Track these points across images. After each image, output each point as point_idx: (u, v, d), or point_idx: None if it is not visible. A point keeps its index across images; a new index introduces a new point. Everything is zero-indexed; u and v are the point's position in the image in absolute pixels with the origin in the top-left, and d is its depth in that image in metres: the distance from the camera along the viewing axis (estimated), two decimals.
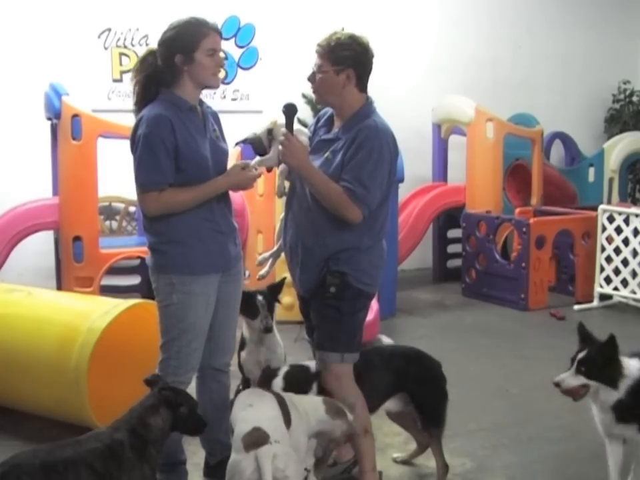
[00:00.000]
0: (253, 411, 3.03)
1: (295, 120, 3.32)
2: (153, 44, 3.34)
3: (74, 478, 2.65)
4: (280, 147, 3.24)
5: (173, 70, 3.22)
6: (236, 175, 3.31)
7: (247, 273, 3.53)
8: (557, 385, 3.32)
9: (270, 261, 3.68)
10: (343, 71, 3.24)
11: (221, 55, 3.30)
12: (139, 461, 2.77)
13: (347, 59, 3.23)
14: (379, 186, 3.23)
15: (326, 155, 3.29)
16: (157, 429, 2.84)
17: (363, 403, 3.40)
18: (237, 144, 3.65)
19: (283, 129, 3.25)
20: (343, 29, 3.34)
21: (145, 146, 3.15)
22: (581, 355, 3.31)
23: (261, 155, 3.41)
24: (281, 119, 3.33)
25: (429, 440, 3.72)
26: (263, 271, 3.69)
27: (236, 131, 3.77)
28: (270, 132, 3.39)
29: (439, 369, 3.69)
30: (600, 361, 3.26)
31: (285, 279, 3.94)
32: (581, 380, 3.28)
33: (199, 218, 3.26)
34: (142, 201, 3.23)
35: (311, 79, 3.32)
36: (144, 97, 3.26)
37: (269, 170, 3.52)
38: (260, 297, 3.79)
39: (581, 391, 3.31)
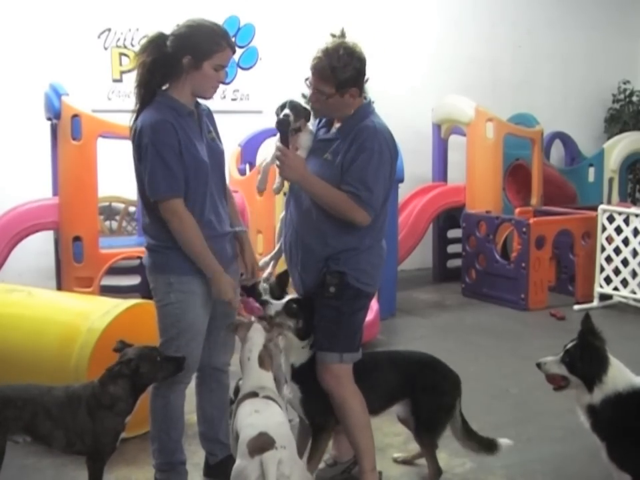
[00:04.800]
0: (259, 416, 2.94)
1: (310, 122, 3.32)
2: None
3: (29, 414, 3.07)
4: (277, 162, 3.23)
5: (177, 67, 3.19)
6: (226, 283, 3.23)
7: (244, 274, 3.51)
8: (538, 365, 3.25)
9: (272, 263, 3.67)
10: (348, 92, 3.23)
11: (225, 71, 3.27)
12: (90, 418, 3.13)
13: (349, 80, 3.21)
14: (382, 187, 3.24)
15: (325, 155, 3.29)
16: (115, 396, 3.16)
17: (362, 402, 3.40)
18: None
19: (279, 144, 3.23)
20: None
21: (154, 155, 3.11)
22: (569, 345, 3.22)
23: (283, 138, 3.28)
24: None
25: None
26: (265, 274, 3.67)
27: (236, 131, 3.77)
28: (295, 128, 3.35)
29: (452, 381, 3.62)
30: (584, 357, 3.14)
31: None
32: (563, 370, 3.19)
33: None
34: (166, 210, 3.14)
35: (313, 99, 3.30)
36: (149, 82, 3.20)
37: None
38: (264, 284, 3.71)
39: (560, 381, 3.22)
